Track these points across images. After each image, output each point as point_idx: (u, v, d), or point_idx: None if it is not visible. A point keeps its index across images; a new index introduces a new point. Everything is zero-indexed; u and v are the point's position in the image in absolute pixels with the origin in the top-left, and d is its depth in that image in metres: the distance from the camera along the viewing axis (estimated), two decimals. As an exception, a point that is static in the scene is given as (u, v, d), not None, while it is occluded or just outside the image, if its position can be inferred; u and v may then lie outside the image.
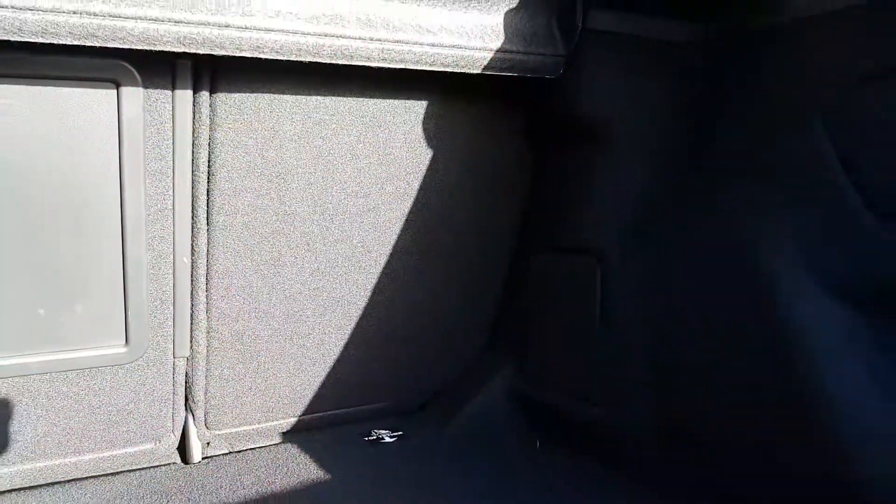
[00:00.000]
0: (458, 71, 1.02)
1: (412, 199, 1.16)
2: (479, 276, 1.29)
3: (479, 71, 1.02)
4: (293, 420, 1.27)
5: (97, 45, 0.81)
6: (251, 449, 1.25)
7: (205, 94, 0.96)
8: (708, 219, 0.97)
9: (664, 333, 1.02)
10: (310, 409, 1.26)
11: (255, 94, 0.99)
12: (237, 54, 0.88)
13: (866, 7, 0.82)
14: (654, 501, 1.01)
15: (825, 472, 0.80)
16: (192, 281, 1.07)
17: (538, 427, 1.29)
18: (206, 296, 1.09)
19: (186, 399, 1.16)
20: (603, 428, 1.12)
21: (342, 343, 1.23)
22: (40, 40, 0.78)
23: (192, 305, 1.09)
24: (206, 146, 0.99)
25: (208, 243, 1.05)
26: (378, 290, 1.22)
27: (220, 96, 0.96)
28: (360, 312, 1.22)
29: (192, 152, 0.98)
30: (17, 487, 1.09)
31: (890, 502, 0.75)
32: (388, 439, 1.30)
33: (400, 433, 1.32)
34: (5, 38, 0.77)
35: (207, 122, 0.97)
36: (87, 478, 1.13)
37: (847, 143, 0.81)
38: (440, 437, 1.30)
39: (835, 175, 0.82)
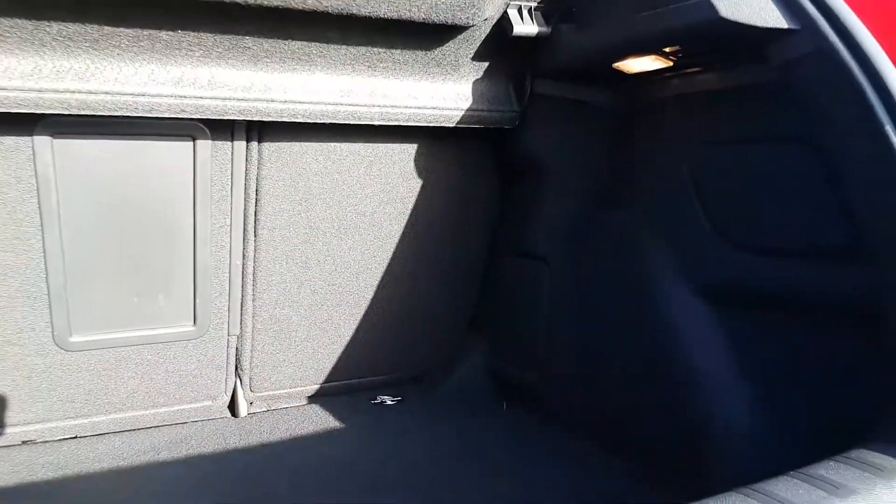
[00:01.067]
0: (438, 125, 1.38)
1: (407, 217, 1.51)
2: (459, 275, 1.64)
3: (454, 125, 1.38)
4: (316, 386, 1.63)
5: (185, 117, 1.18)
6: (284, 408, 1.61)
7: (255, 144, 1.32)
8: (615, 234, 1.32)
9: (584, 318, 1.37)
10: (329, 378, 1.62)
11: (290, 143, 1.35)
12: (278, 120, 1.24)
13: (707, 95, 1.15)
14: (575, 437, 1.35)
15: (681, 410, 1.14)
16: (242, 278, 1.44)
17: (505, 391, 1.64)
18: (253, 289, 1.45)
19: (236, 368, 1.53)
20: (544, 389, 1.47)
21: (354, 327, 1.59)
22: (148, 115, 1.15)
23: (242, 297, 1.46)
24: (255, 180, 1.35)
25: (255, 251, 1.42)
26: (382, 286, 1.57)
27: (266, 145, 1.33)
28: (367, 303, 1.58)
29: (245, 185, 1.35)
30: (111, 431, 1.46)
31: (722, 432, 1.09)
32: (389, 402, 1.66)
33: (399, 398, 1.68)
34: (125, 114, 1.14)
35: (256, 163, 1.34)
36: (162, 425, 1.50)
37: (703, 187, 1.15)
38: (430, 400, 1.65)
39: (694, 209, 1.15)
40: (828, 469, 0.70)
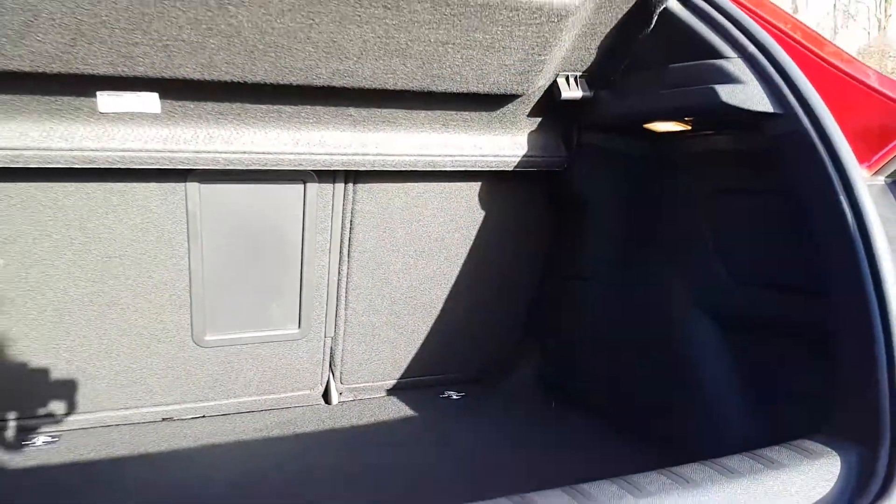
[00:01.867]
0: (499, 170, 1.67)
1: (471, 243, 1.81)
2: (515, 291, 1.92)
3: (512, 169, 1.67)
4: (393, 381, 1.94)
5: (300, 168, 1.51)
6: (367, 398, 1.94)
7: (350, 186, 1.64)
8: (645, 264, 1.57)
9: (619, 331, 1.63)
10: (404, 374, 1.94)
11: (378, 184, 1.67)
12: (370, 169, 1.56)
13: (717, 154, 1.39)
14: (606, 431, 1.61)
15: (691, 409, 1.38)
16: (337, 291, 1.77)
17: (552, 391, 1.91)
18: (345, 301, 1.78)
19: (330, 364, 1.86)
20: (585, 390, 1.74)
21: (426, 332, 1.90)
22: (270, 168, 1.49)
23: (337, 306, 1.78)
24: (350, 214, 1.67)
25: (348, 269, 1.74)
26: (449, 299, 1.87)
27: (359, 186, 1.65)
28: (437, 313, 1.88)
29: (342, 217, 1.67)
30: (231, 412, 1.82)
31: (722, 425, 1.33)
32: (454, 397, 1.96)
33: (463, 394, 1.98)
34: (256, 168, 1.47)
35: (351, 200, 1.66)
36: (271, 409, 1.84)
37: (713, 230, 1.39)
38: (489, 396, 1.94)
39: (706, 249, 1.40)
40: (773, 451, 0.95)
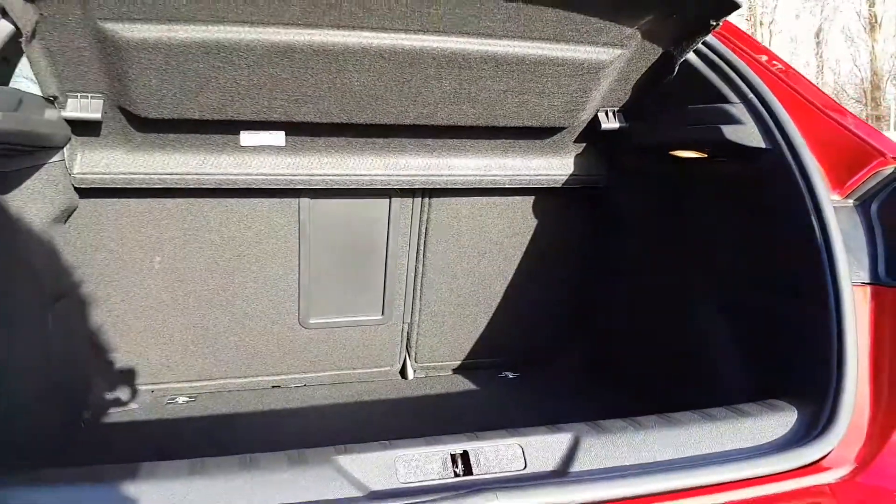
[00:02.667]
0: (549, 187, 2.01)
1: (525, 247, 2.15)
2: (563, 288, 2.25)
3: (560, 186, 2.00)
4: (458, 362, 2.30)
5: (387, 187, 1.89)
6: (437, 375, 2.30)
7: (426, 200, 2.01)
8: (669, 263, 1.88)
9: (646, 318, 1.95)
10: (468, 357, 2.29)
11: (447, 199, 2.03)
12: (442, 187, 1.93)
13: (729, 177, 1.68)
14: (635, 402, 1.89)
15: (707, 379, 1.68)
16: (413, 285, 2.14)
17: (594, 372, 2.23)
18: (420, 294, 2.15)
19: (407, 345, 2.24)
20: (620, 370, 2.06)
21: (487, 321, 2.24)
22: (364, 187, 1.87)
23: (413, 298, 2.16)
24: (426, 221, 2.04)
25: (423, 267, 2.11)
26: (507, 294, 2.22)
27: (433, 200, 2.01)
28: (497, 305, 2.23)
29: (419, 224, 2.04)
30: (327, 383, 2.21)
31: (723, 386, 1.63)
32: (510, 377, 2.31)
33: (518, 374, 2.33)
34: (354, 188, 1.85)
35: (427, 210, 2.02)
36: (359, 381, 2.23)
37: (720, 238, 1.70)
38: (540, 378, 2.28)
39: (717, 253, 1.71)
40: (748, 406, 1.26)
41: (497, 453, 1.11)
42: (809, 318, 1.30)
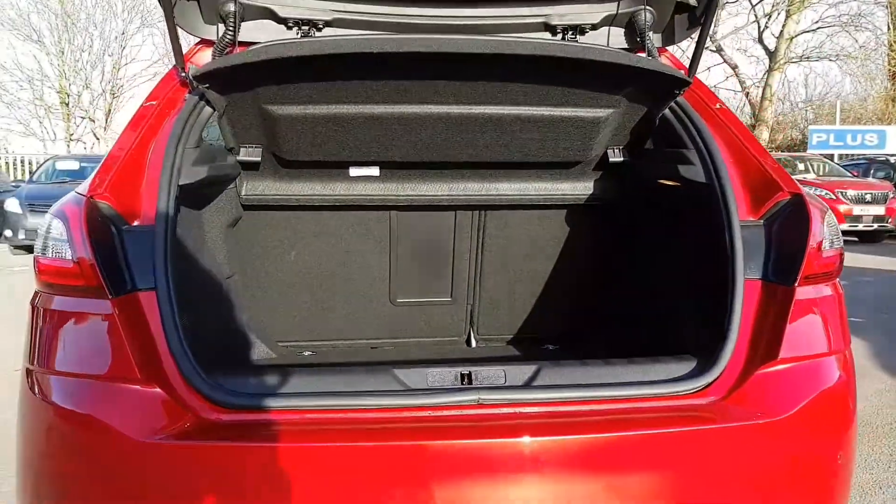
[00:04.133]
0: (574, 204, 2.67)
1: (559, 249, 2.82)
2: (587, 279, 2.90)
3: (583, 203, 2.66)
4: (511, 336, 2.98)
5: (452, 204, 2.62)
6: (494, 345, 3.01)
7: (482, 213, 2.72)
8: (662, 260, 2.49)
9: (643, 302, 2.56)
10: (518, 332, 2.96)
11: (497, 212, 2.73)
12: (493, 203, 2.64)
13: (692, 197, 2.28)
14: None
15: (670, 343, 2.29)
16: (474, 277, 2.86)
17: (613, 346, 2.85)
18: (480, 283, 2.86)
19: (470, 321, 2.97)
20: (631, 342, 2.68)
21: (532, 306, 2.93)
22: (436, 204, 2.61)
23: (474, 287, 2.88)
24: (482, 230, 2.75)
25: (481, 262, 2.83)
26: (546, 284, 2.89)
27: (487, 213, 2.72)
28: (539, 293, 2.91)
29: (477, 232, 2.76)
30: (409, 346, 2.98)
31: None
32: (551, 348, 2.98)
33: (557, 346, 2.98)
34: (427, 204, 2.60)
35: (483, 222, 2.74)
36: (433, 346, 2.98)
37: (685, 241, 2.29)
38: (572, 349, 2.93)
39: (690, 252, 2.31)
40: (665, 357, 1.87)
41: (489, 374, 1.81)
42: (720, 300, 1.89)
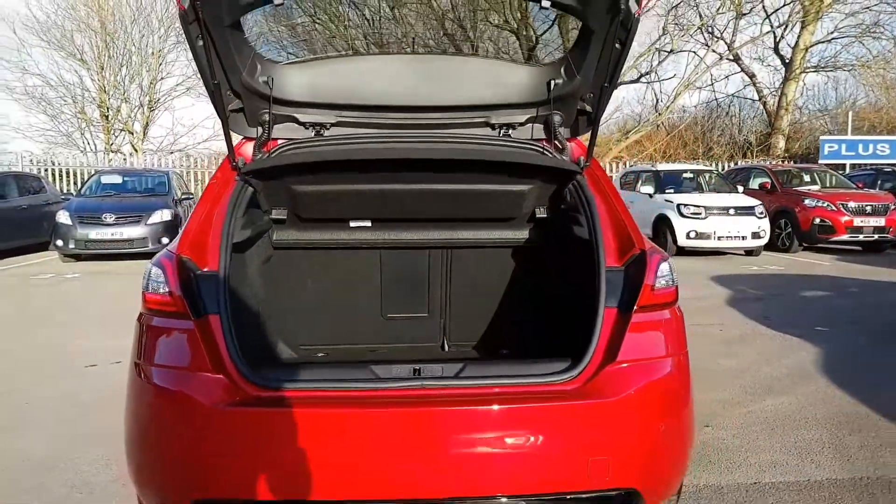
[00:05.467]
0: (513, 245, 3.62)
1: (507, 276, 3.77)
2: (527, 294, 3.84)
3: (520, 245, 3.60)
4: (475, 342, 3.93)
5: (425, 246, 3.60)
6: (461, 349, 3.96)
7: (448, 252, 3.69)
8: (569, 277, 3.41)
9: (560, 308, 3.49)
10: (479, 339, 3.94)
11: (460, 251, 3.69)
12: (455, 246, 3.61)
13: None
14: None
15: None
16: (446, 297, 3.83)
17: (551, 348, 3.79)
18: (449, 301, 3.82)
19: (443, 331, 3.92)
20: (564, 344, 3.62)
21: (490, 319, 3.88)
22: (413, 246, 3.58)
23: (445, 304, 3.84)
24: (449, 263, 3.72)
25: (450, 288, 3.79)
26: (500, 302, 3.84)
27: (452, 251, 3.69)
28: (495, 309, 3.86)
29: (445, 265, 3.72)
30: (400, 348, 3.95)
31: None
32: (504, 352, 3.91)
33: (507, 351, 3.92)
34: (406, 247, 3.57)
35: (449, 258, 3.70)
36: (417, 350, 3.95)
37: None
38: (518, 353, 3.87)
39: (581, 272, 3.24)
40: (553, 358, 2.80)
41: (433, 370, 2.76)
42: (590, 321, 2.82)
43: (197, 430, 2.54)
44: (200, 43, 2.54)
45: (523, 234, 3.58)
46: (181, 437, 2.57)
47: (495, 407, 2.55)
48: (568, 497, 2.52)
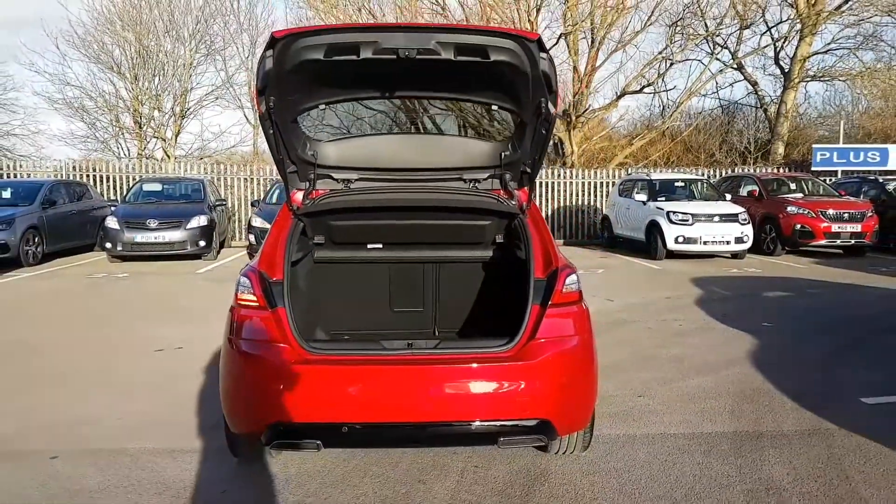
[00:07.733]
0: (481, 261, 5.13)
1: (481, 281, 5.28)
2: (495, 291, 5.34)
3: (486, 260, 5.11)
4: (458, 328, 5.45)
5: (420, 262, 5.13)
6: (447, 333, 5.47)
7: (438, 265, 5.21)
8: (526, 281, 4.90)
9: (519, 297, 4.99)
10: (463, 325, 5.46)
11: (447, 264, 5.22)
12: (443, 262, 5.14)
13: None
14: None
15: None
16: (437, 296, 5.35)
17: (506, 328, 5.28)
18: (439, 298, 5.34)
19: (434, 321, 5.44)
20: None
21: (469, 311, 5.41)
22: (414, 262, 5.11)
23: (436, 301, 5.35)
24: (439, 270, 5.24)
25: (439, 289, 5.31)
26: (477, 298, 5.35)
27: (441, 265, 5.21)
28: (472, 303, 5.37)
29: (437, 273, 5.26)
30: (403, 333, 5.47)
31: None
32: (478, 334, 5.42)
33: (481, 333, 5.43)
34: (408, 262, 5.09)
35: (438, 268, 5.23)
36: (418, 334, 5.46)
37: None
38: (486, 335, 5.36)
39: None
40: (499, 336, 4.28)
41: (420, 344, 4.27)
42: (521, 313, 4.30)
43: (270, 379, 4.07)
44: (272, 132, 4.08)
45: (488, 254, 5.09)
46: (260, 384, 4.10)
47: (460, 366, 4.05)
48: (505, 422, 4.01)
